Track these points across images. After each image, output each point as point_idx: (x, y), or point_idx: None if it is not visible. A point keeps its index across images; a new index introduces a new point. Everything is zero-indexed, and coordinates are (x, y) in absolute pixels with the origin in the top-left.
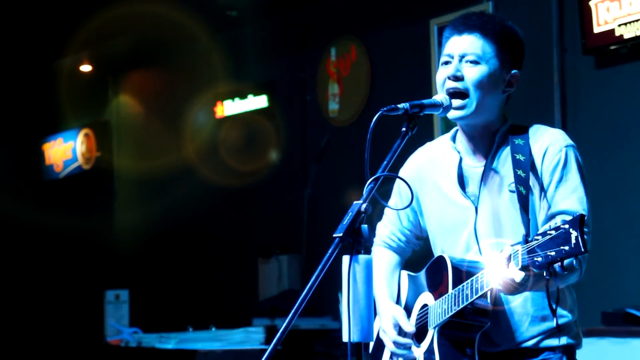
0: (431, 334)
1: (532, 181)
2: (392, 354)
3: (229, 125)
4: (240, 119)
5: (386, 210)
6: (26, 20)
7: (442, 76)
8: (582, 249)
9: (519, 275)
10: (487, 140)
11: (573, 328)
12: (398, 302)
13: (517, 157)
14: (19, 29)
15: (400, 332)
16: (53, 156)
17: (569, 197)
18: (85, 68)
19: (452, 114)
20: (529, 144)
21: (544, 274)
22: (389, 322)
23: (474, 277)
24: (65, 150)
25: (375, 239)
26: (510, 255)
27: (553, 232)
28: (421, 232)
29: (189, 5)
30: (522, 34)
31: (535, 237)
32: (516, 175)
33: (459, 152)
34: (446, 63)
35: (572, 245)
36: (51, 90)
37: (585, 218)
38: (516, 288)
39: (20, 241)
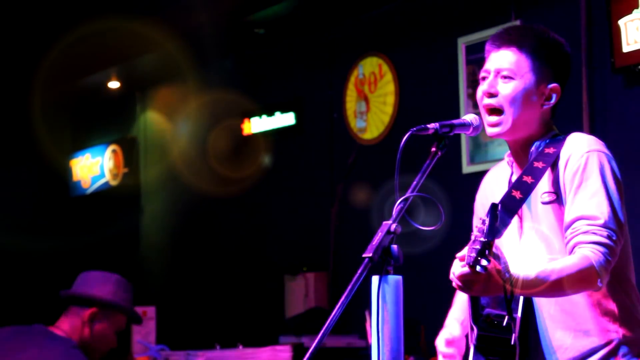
0: (471, 349)
1: (556, 189)
2: None
3: (256, 142)
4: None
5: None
6: (54, 37)
7: (479, 92)
8: (486, 238)
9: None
10: (526, 153)
11: (633, 347)
12: None
13: (535, 164)
14: (47, 46)
15: (448, 345)
16: (80, 172)
17: (587, 202)
18: (113, 84)
19: (489, 132)
20: (558, 153)
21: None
22: (442, 337)
23: None
24: (93, 166)
25: None
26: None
27: (479, 226)
28: None
29: (216, 23)
30: (566, 45)
31: (476, 233)
32: (520, 181)
33: (510, 167)
34: (484, 79)
35: (484, 235)
36: (79, 106)
37: (605, 222)
38: (475, 287)
39: (47, 257)
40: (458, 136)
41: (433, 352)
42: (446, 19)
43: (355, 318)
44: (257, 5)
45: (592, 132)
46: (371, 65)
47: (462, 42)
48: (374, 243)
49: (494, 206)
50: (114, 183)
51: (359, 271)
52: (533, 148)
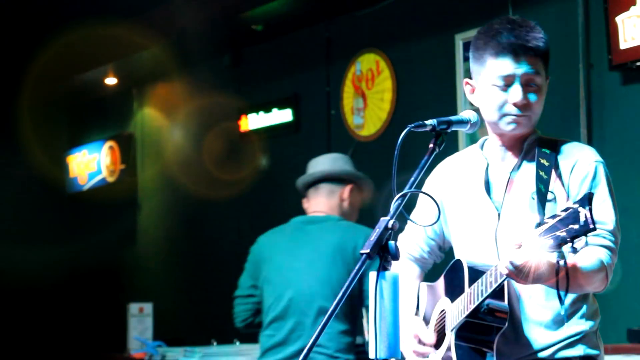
0: (449, 337)
1: (556, 189)
2: None
3: (253, 139)
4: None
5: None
6: (51, 33)
7: (500, 100)
8: (591, 225)
9: (535, 256)
10: (516, 148)
11: (592, 338)
12: (417, 313)
13: (542, 161)
14: (44, 41)
15: (419, 342)
16: (77, 168)
17: (597, 207)
18: (111, 81)
19: (509, 129)
20: (555, 154)
21: (558, 262)
22: (410, 335)
23: (487, 272)
24: (90, 162)
25: None
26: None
27: (563, 214)
28: (444, 242)
29: (214, 19)
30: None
31: (546, 220)
32: (538, 175)
33: (486, 159)
34: (507, 85)
35: (582, 223)
36: (76, 102)
37: (612, 228)
38: (529, 275)
39: (43, 253)
40: (455, 133)
41: None
42: (443, 15)
43: None
44: (255, 1)
45: (589, 129)
46: (368, 62)
47: (460, 39)
48: (371, 239)
49: (590, 196)
50: (110, 179)
51: (356, 267)
52: (526, 145)
